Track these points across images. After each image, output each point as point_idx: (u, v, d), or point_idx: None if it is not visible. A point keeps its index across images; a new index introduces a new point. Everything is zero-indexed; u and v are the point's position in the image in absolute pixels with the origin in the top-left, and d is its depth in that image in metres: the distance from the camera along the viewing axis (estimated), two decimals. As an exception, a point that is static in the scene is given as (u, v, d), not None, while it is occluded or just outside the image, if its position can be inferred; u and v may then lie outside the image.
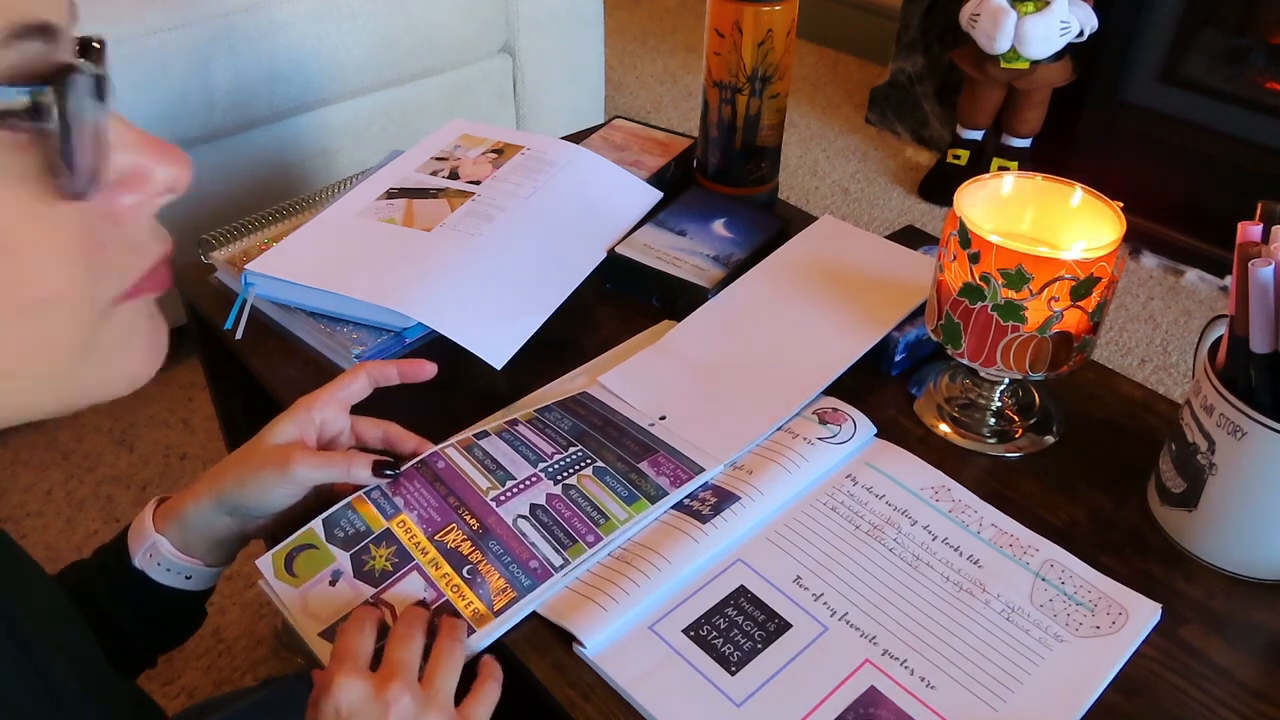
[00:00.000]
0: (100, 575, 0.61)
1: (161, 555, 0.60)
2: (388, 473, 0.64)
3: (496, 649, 0.58)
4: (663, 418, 0.72)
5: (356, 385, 0.66)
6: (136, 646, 0.63)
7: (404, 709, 0.50)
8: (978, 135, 1.98)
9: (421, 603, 0.59)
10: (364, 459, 0.63)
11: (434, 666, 0.53)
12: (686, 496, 0.66)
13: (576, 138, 1.03)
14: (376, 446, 0.67)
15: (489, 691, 0.55)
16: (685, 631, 0.59)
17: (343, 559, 0.61)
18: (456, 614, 0.58)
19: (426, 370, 0.68)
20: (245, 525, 0.62)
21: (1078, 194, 0.69)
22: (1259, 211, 0.60)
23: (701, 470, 0.67)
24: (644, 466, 0.67)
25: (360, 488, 0.65)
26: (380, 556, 0.61)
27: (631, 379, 0.75)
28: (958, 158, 1.99)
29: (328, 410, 0.64)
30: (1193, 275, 1.80)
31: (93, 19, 1.43)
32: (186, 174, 0.35)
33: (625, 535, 0.63)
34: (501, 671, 0.56)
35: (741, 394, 0.74)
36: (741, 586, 0.62)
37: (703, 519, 0.64)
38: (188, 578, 0.61)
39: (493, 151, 0.94)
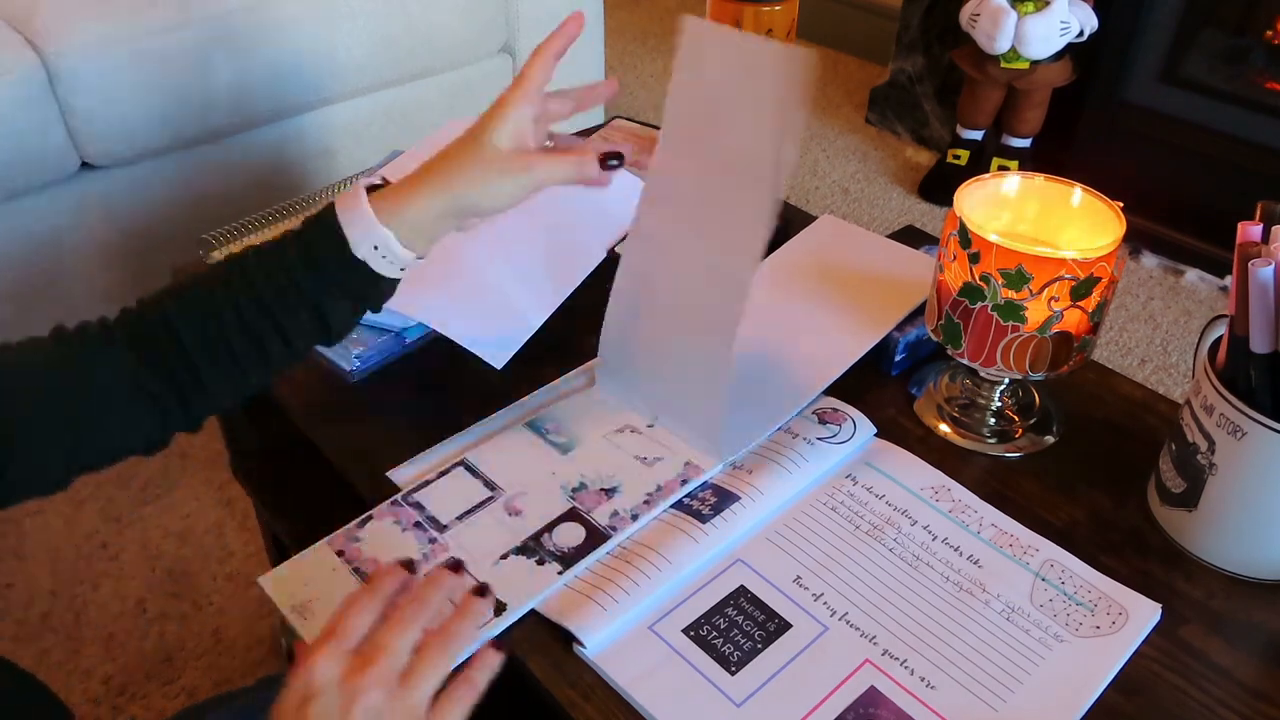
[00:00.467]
0: (307, 268, 0.59)
1: (389, 249, 0.59)
2: (613, 163, 0.64)
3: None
4: (657, 419, 0.72)
5: (542, 75, 0.64)
6: (330, 327, 0.61)
7: (370, 703, 0.46)
8: (978, 135, 1.98)
9: (452, 565, 0.55)
10: (591, 156, 0.63)
11: (420, 661, 0.49)
12: (686, 496, 0.66)
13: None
14: (568, 115, 0.67)
15: (463, 696, 0.50)
16: (685, 631, 0.59)
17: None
18: (485, 592, 0.54)
19: (608, 89, 0.70)
20: (464, 223, 0.63)
21: (1077, 194, 0.69)
22: (1259, 211, 0.60)
23: (699, 470, 0.67)
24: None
25: None
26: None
27: (627, 380, 0.75)
28: (958, 158, 1.99)
29: (535, 107, 0.63)
30: (1193, 275, 1.80)
31: (93, 19, 1.43)
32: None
33: (625, 534, 0.63)
34: (494, 665, 0.51)
35: (740, 394, 0.74)
36: (741, 586, 0.62)
37: (703, 519, 0.64)
38: (402, 269, 0.61)
39: (493, 151, 0.93)
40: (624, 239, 0.89)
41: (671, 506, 0.66)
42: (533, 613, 0.60)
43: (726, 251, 0.64)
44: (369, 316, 0.78)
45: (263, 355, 0.59)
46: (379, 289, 0.61)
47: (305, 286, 0.58)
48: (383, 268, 0.60)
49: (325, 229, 0.59)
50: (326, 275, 0.59)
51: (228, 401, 0.60)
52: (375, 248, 0.59)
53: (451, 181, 0.60)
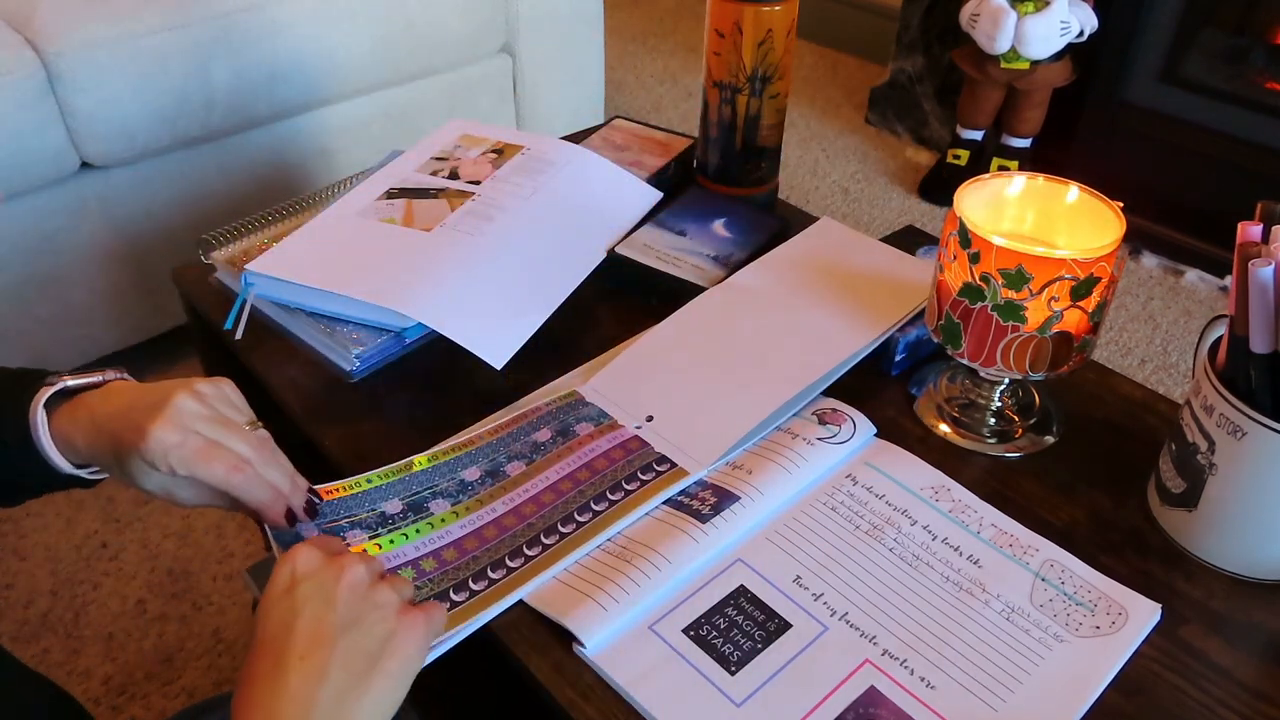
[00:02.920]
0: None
1: (52, 449, 0.59)
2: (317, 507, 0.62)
3: (496, 648, 0.58)
4: (650, 419, 0.72)
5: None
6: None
7: (356, 576, 0.49)
8: (978, 135, 1.98)
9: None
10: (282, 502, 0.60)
11: (387, 578, 0.52)
12: (685, 496, 0.66)
13: (576, 138, 1.03)
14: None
15: (434, 613, 0.52)
16: (685, 631, 0.59)
17: None
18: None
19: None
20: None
21: (1077, 194, 0.69)
22: (1259, 211, 0.60)
23: (685, 474, 0.67)
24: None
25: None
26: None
27: (618, 381, 0.75)
28: (958, 158, 1.99)
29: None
30: (1193, 275, 1.80)
31: (93, 19, 1.43)
32: None
33: (616, 529, 0.64)
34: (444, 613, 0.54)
35: (732, 394, 0.74)
36: (741, 586, 0.62)
37: (703, 519, 0.64)
38: (94, 472, 0.60)
39: (493, 151, 0.94)
40: (624, 239, 0.89)
41: (672, 506, 0.66)
42: (532, 612, 0.60)
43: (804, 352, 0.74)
44: (369, 316, 0.78)
45: None
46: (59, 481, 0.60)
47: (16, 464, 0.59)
48: (55, 458, 0.59)
49: (23, 391, 0.59)
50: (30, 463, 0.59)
51: None
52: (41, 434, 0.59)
53: (116, 439, 0.57)
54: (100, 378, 0.61)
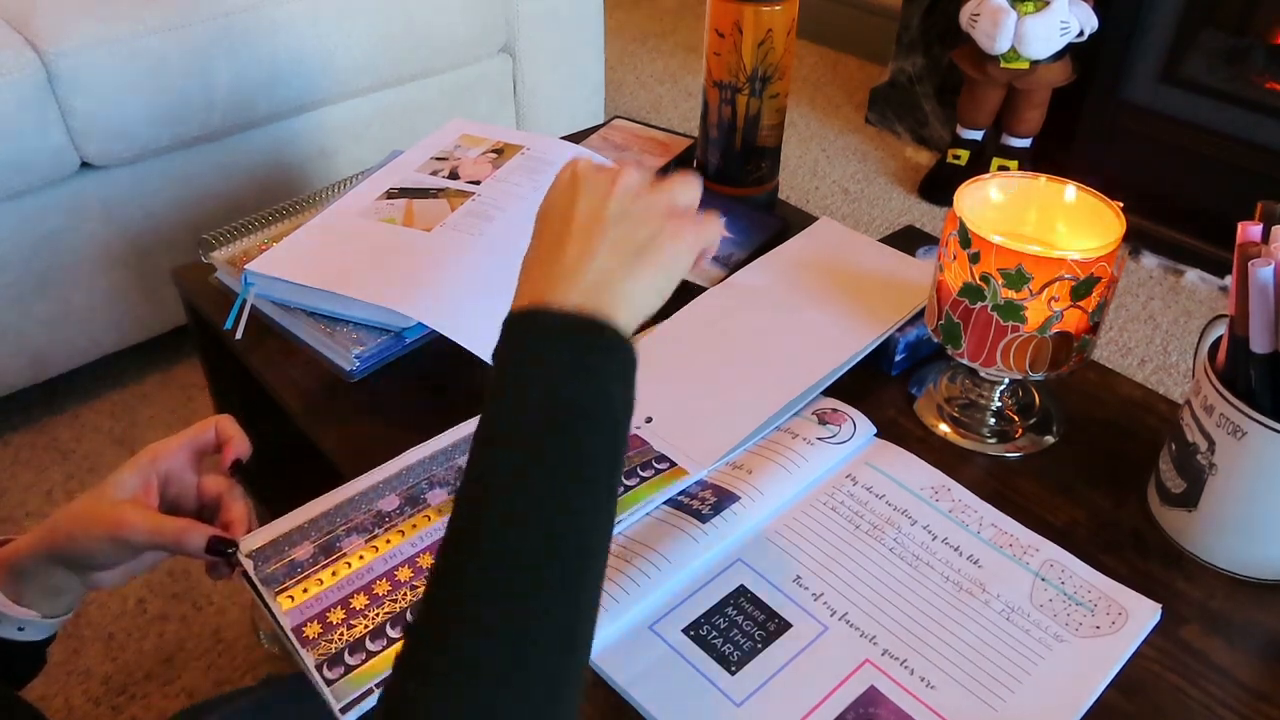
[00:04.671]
0: None
1: (6, 615, 0.57)
2: (225, 551, 0.59)
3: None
4: (649, 419, 0.72)
5: (205, 436, 0.63)
6: None
7: (630, 180, 0.52)
8: (978, 135, 1.98)
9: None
10: (199, 530, 0.58)
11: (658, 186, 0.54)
12: (685, 495, 0.66)
13: (576, 138, 1.03)
14: (213, 505, 0.64)
15: (711, 225, 0.56)
16: (685, 631, 0.59)
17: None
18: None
19: (240, 450, 0.65)
20: (86, 578, 0.60)
21: (1077, 193, 0.69)
22: (1259, 211, 0.60)
23: (684, 473, 0.67)
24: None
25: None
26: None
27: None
28: (958, 158, 1.99)
29: (172, 462, 0.61)
30: (1193, 275, 1.80)
31: (93, 19, 1.43)
32: None
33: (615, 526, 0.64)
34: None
35: (732, 395, 0.74)
36: (741, 586, 0.62)
37: (703, 518, 0.64)
38: (20, 629, 0.58)
39: (493, 151, 0.94)
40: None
41: (671, 506, 0.66)
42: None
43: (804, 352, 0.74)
44: (369, 316, 0.78)
45: None
46: (23, 660, 0.60)
47: None
48: (34, 634, 0.59)
49: None
50: None
51: None
52: (20, 629, 0.58)
53: (55, 533, 0.57)
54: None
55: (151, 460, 0.60)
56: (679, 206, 0.54)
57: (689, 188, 0.55)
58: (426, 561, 0.61)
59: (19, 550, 0.58)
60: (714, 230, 0.55)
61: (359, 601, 0.59)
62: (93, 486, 0.59)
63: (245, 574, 0.61)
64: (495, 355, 0.48)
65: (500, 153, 0.93)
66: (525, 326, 0.48)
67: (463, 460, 0.67)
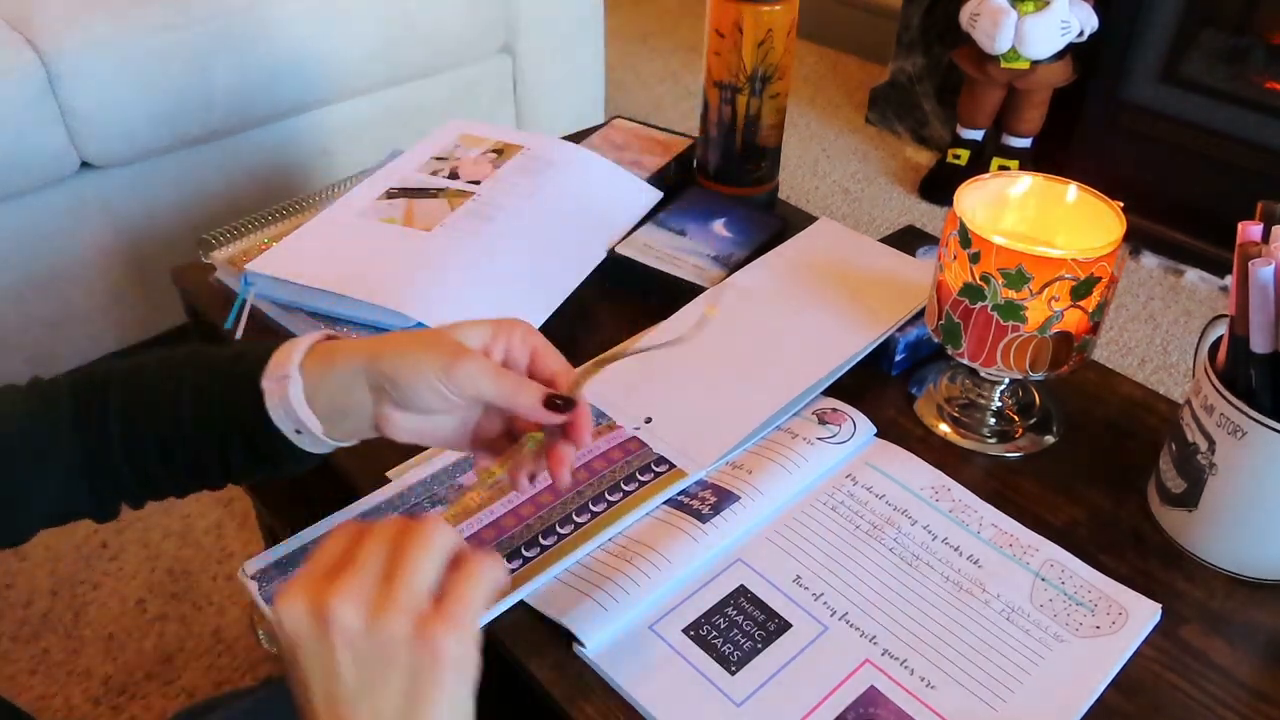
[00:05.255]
0: (214, 379, 0.54)
1: (285, 392, 0.52)
2: (558, 403, 0.52)
3: (494, 648, 0.58)
4: (649, 420, 0.72)
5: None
6: (231, 479, 0.57)
7: (346, 624, 0.39)
8: (978, 135, 1.98)
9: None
10: (535, 387, 0.52)
11: (398, 558, 0.41)
12: (685, 495, 0.66)
13: (576, 138, 1.03)
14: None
15: (485, 570, 0.42)
16: (685, 631, 0.59)
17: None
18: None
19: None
20: (380, 413, 0.53)
21: (1077, 193, 0.69)
22: (1259, 211, 0.60)
23: (684, 475, 0.67)
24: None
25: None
26: None
27: (617, 381, 0.75)
28: (958, 158, 1.99)
29: (518, 337, 0.54)
30: (1193, 275, 1.80)
31: (93, 19, 1.43)
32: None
33: (614, 530, 0.63)
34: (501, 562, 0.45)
35: (731, 395, 0.74)
36: (741, 586, 0.62)
37: (703, 518, 0.64)
38: (297, 431, 0.53)
39: (493, 151, 0.94)
40: (624, 239, 0.89)
41: (671, 506, 0.66)
42: (532, 612, 0.60)
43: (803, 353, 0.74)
44: (369, 316, 0.78)
45: (183, 486, 0.58)
46: (266, 433, 0.55)
47: (226, 443, 0.55)
48: (274, 411, 0.53)
49: (247, 393, 0.53)
50: (227, 391, 0.54)
51: (165, 498, 0.59)
52: (297, 431, 0.53)
53: (383, 346, 0.52)
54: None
55: (509, 329, 0.54)
56: (422, 585, 0.41)
57: (426, 545, 0.42)
58: None
59: (338, 348, 0.53)
60: (490, 583, 0.42)
61: None
62: (433, 328, 0.54)
63: (249, 588, 0.61)
64: None
65: (500, 153, 0.93)
66: None
67: (464, 478, 0.67)
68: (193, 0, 1.34)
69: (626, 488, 0.66)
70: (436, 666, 0.40)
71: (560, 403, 0.52)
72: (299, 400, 0.52)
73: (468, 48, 1.66)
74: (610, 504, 0.65)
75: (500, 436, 0.56)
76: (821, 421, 0.72)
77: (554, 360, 0.55)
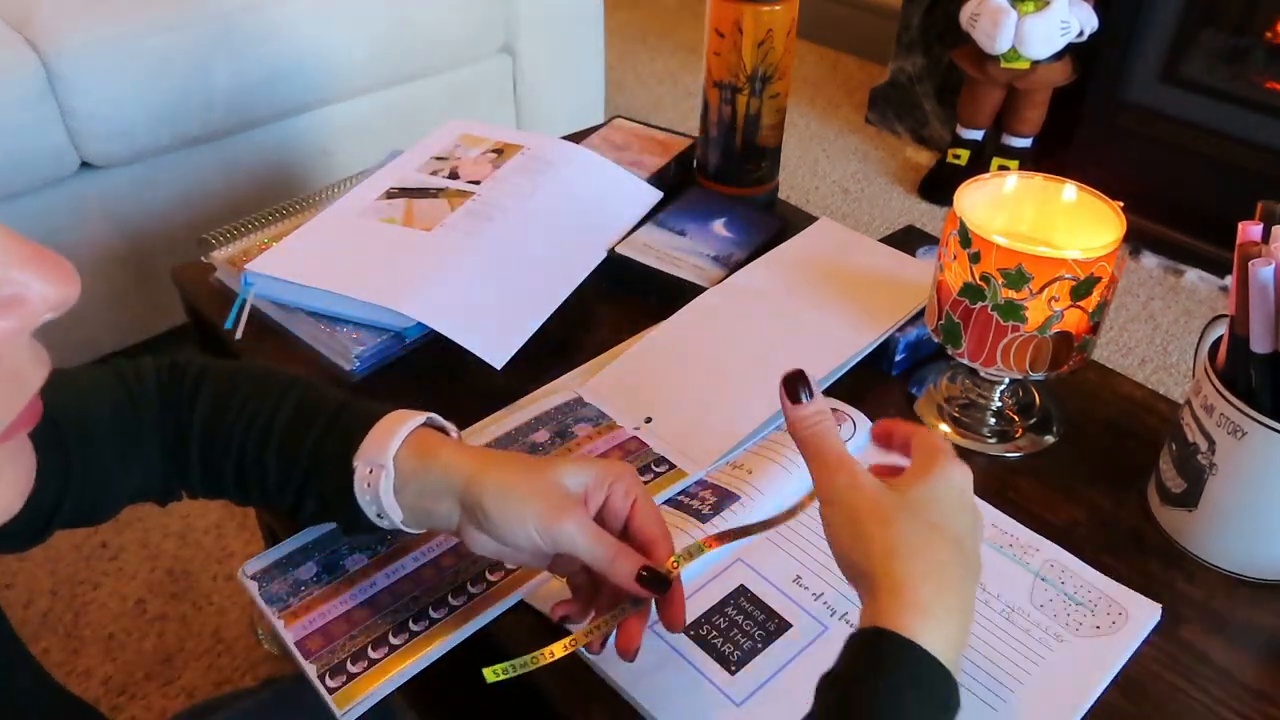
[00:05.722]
0: (314, 414, 0.56)
1: (377, 481, 0.53)
2: (657, 583, 0.51)
3: (496, 648, 0.58)
4: (648, 420, 0.72)
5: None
6: (283, 493, 0.57)
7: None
8: (978, 135, 1.98)
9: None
10: (633, 556, 0.51)
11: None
12: (685, 495, 0.66)
13: (576, 138, 1.03)
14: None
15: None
16: (685, 631, 0.59)
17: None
18: None
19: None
20: (465, 530, 0.53)
21: (1077, 193, 0.69)
22: (1259, 211, 0.60)
23: (684, 475, 0.67)
24: None
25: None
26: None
27: (617, 382, 0.75)
28: (958, 158, 1.99)
29: (621, 496, 0.54)
30: (1193, 275, 1.80)
31: (94, 19, 1.43)
32: (73, 291, 0.29)
33: None
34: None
35: (731, 395, 0.74)
36: (741, 586, 0.62)
37: (703, 518, 0.64)
38: (379, 515, 0.54)
39: (493, 151, 0.93)
40: (624, 239, 0.89)
41: (671, 506, 0.66)
42: (532, 612, 0.60)
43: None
44: (369, 316, 0.78)
45: (246, 498, 0.60)
46: (365, 530, 0.57)
47: (304, 489, 0.57)
48: (358, 489, 0.54)
49: (335, 461, 0.54)
50: (318, 494, 0.56)
51: (225, 499, 0.61)
52: (378, 515, 0.54)
53: (485, 473, 0.52)
54: (449, 429, 0.57)
55: (614, 476, 0.54)
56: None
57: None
58: (429, 574, 0.61)
59: (439, 451, 0.53)
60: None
61: (361, 614, 0.59)
62: (536, 460, 0.54)
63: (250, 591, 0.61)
64: (851, 664, 0.44)
65: (500, 153, 0.93)
66: (910, 662, 0.43)
67: None
68: (193, 0, 1.34)
69: None
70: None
71: (654, 579, 0.51)
72: (387, 492, 0.53)
73: (468, 48, 1.66)
74: None
75: (580, 571, 0.56)
76: (821, 421, 0.72)
77: (653, 522, 0.54)
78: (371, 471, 0.53)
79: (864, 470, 0.49)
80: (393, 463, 0.53)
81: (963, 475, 0.49)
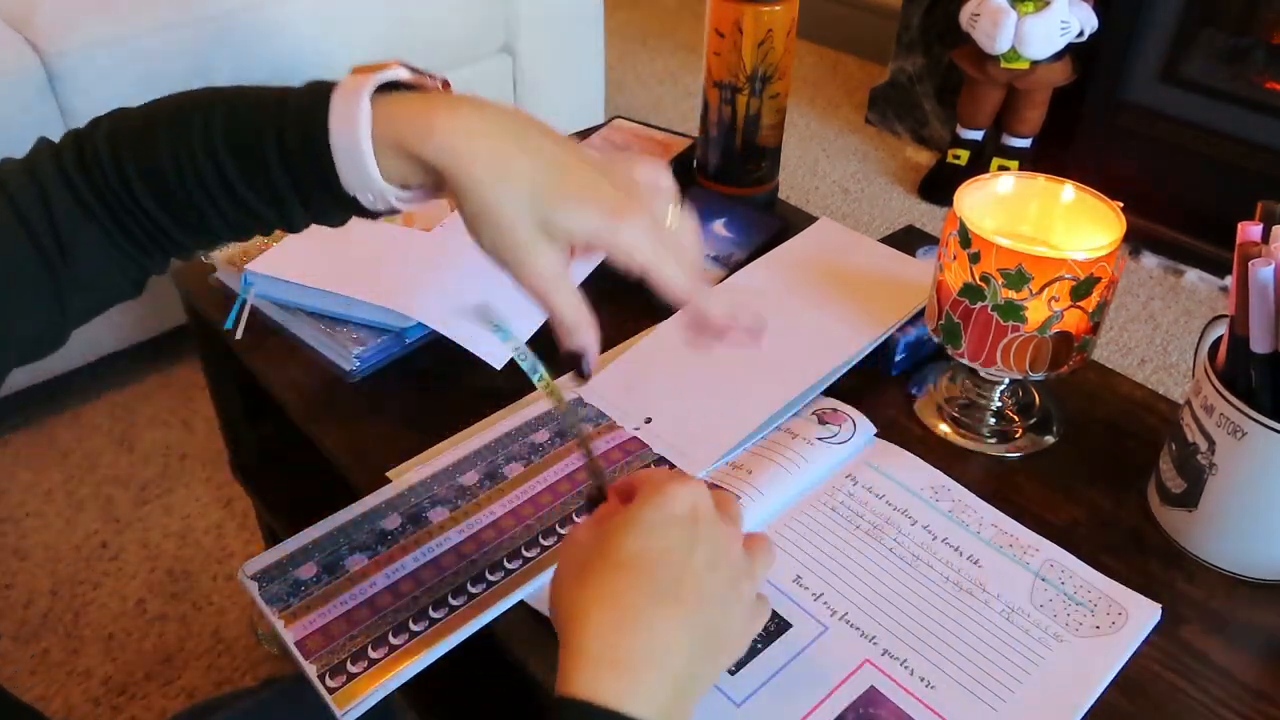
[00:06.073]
0: (288, 176, 0.48)
1: (383, 198, 0.48)
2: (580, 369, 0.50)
3: (496, 648, 0.58)
4: (649, 420, 0.72)
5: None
6: (291, 227, 0.51)
7: (735, 547, 0.46)
8: (978, 135, 1.98)
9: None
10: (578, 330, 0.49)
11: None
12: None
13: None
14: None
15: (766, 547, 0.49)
16: (685, 631, 0.59)
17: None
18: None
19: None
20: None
21: (1076, 193, 0.69)
22: (1259, 211, 0.60)
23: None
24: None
25: None
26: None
27: (617, 382, 0.75)
28: (958, 158, 1.99)
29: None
30: (1193, 275, 1.80)
31: (94, 19, 1.43)
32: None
33: None
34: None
35: (731, 395, 0.74)
36: (741, 586, 0.62)
37: (703, 519, 0.64)
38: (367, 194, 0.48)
39: (493, 151, 0.93)
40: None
41: (671, 506, 0.66)
42: (532, 612, 0.60)
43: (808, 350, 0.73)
44: (369, 316, 0.78)
45: (232, 226, 0.51)
46: (361, 211, 0.50)
47: (280, 192, 0.49)
48: (371, 204, 0.49)
49: (313, 149, 0.47)
50: (307, 195, 0.49)
51: (204, 248, 0.54)
52: (370, 195, 0.48)
53: (476, 162, 0.48)
54: (436, 81, 0.51)
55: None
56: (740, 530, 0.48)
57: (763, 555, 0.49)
58: (429, 574, 0.61)
59: (431, 115, 0.47)
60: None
61: (362, 614, 0.59)
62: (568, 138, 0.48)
63: (250, 591, 0.61)
64: None
65: (500, 153, 0.93)
66: None
67: (464, 479, 0.67)
68: (193, 0, 1.34)
69: None
70: (752, 629, 0.48)
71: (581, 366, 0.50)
72: (374, 171, 0.47)
73: (468, 48, 1.66)
74: None
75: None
76: (821, 422, 0.72)
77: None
78: (371, 197, 0.48)
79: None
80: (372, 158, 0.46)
81: (668, 498, 0.44)
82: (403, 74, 0.49)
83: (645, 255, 0.47)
